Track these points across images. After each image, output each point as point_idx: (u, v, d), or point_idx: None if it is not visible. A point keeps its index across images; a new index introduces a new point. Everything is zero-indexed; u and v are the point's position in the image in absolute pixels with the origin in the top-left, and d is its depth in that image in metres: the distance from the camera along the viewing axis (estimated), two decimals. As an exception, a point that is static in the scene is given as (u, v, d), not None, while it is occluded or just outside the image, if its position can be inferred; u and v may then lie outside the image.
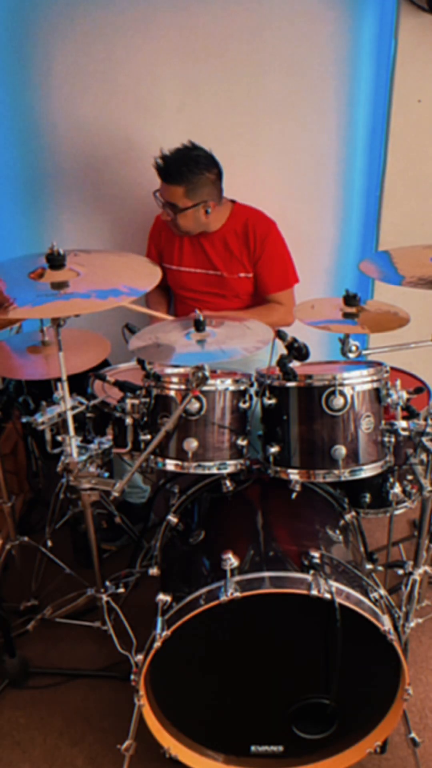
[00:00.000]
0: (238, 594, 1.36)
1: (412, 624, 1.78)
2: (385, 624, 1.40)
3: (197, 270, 2.41)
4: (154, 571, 1.72)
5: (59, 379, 1.54)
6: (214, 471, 1.60)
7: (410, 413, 1.64)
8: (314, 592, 1.35)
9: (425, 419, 1.61)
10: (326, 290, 2.85)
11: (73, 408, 1.64)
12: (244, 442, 1.61)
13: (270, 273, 2.38)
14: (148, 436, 1.62)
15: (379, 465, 1.58)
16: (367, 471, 1.56)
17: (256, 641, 1.48)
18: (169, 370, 1.65)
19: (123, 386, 1.69)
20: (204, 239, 2.38)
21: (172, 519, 1.76)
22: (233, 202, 2.40)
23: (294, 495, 1.61)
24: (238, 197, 2.42)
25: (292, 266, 2.43)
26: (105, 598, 1.82)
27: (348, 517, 1.77)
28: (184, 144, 2.22)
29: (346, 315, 1.64)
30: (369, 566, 1.71)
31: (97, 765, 1.68)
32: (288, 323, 2.32)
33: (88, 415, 1.81)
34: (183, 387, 1.55)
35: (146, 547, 2.10)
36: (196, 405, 1.54)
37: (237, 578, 1.41)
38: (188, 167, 2.17)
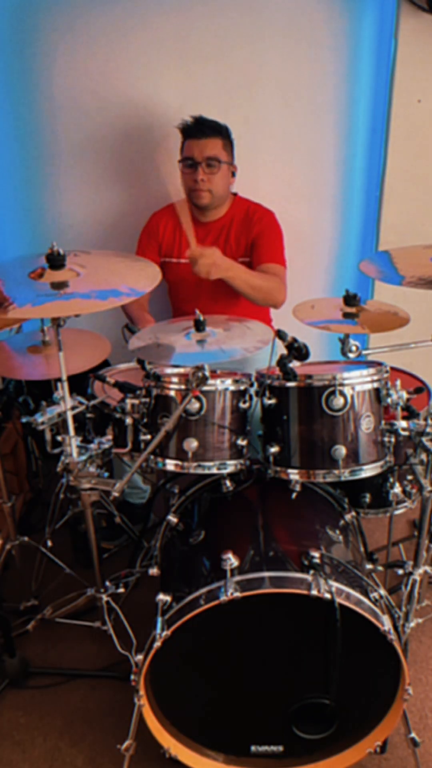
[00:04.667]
0: (238, 594, 1.35)
1: (412, 624, 1.78)
2: (385, 624, 1.40)
3: None
4: (154, 571, 1.72)
5: (59, 379, 1.54)
6: (214, 471, 1.59)
7: (410, 413, 1.64)
8: (314, 592, 1.35)
9: (425, 419, 1.61)
10: (326, 290, 2.85)
11: (73, 408, 1.64)
12: (244, 442, 1.61)
13: (264, 245, 2.37)
14: (148, 436, 1.62)
15: (379, 465, 1.58)
16: (367, 471, 1.56)
17: (256, 641, 1.48)
18: (169, 370, 1.65)
19: (123, 387, 1.69)
20: (204, 229, 2.39)
21: (172, 519, 1.76)
22: (234, 194, 2.41)
23: (294, 495, 1.61)
24: (239, 197, 2.43)
25: (283, 250, 2.41)
26: (105, 598, 1.82)
27: (348, 517, 1.77)
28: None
29: (346, 315, 1.65)
30: (369, 566, 1.71)
31: (97, 765, 1.68)
32: (280, 300, 2.29)
33: (88, 415, 1.81)
34: (183, 387, 1.55)
35: (146, 547, 2.10)
36: (196, 405, 1.54)
37: (237, 578, 1.41)
38: (223, 125, 2.29)
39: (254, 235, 2.37)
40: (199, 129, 2.25)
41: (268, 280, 2.34)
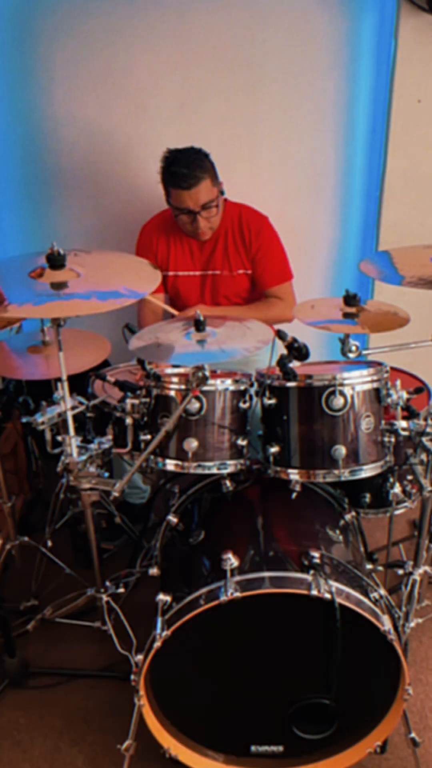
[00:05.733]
0: (238, 594, 1.36)
1: (412, 624, 1.78)
2: (385, 624, 1.40)
3: (194, 273, 2.40)
4: (154, 571, 1.72)
5: (59, 379, 1.55)
6: (214, 471, 1.60)
7: (410, 413, 1.64)
8: (314, 592, 1.35)
9: (425, 419, 1.61)
10: (326, 290, 2.85)
11: (73, 408, 1.64)
12: (244, 442, 1.61)
13: (267, 267, 2.37)
14: (148, 436, 1.62)
15: (379, 465, 1.58)
16: (367, 471, 1.56)
17: (256, 641, 1.48)
18: (169, 370, 1.65)
19: (123, 386, 1.69)
20: (200, 241, 2.38)
21: (172, 519, 1.76)
22: (224, 200, 2.40)
23: (294, 495, 1.61)
24: (238, 198, 2.42)
25: (287, 260, 2.42)
26: (105, 598, 1.82)
27: (348, 517, 1.77)
28: (171, 149, 2.19)
29: (346, 315, 1.64)
30: (369, 566, 1.70)
31: (97, 765, 1.68)
32: (288, 318, 2.29)
33: (88, 415, 1.81)
34: (183, 387, 1.55)
35: (146, 547, 2.10)
36: (196, 405, 1.54)
37: (237, 578, 1.41)
38: (199, 157, 2.16)
39: (253, 253, 2.35)
40: (184, 179, 2.10)
41: (266, 311, 2.33)
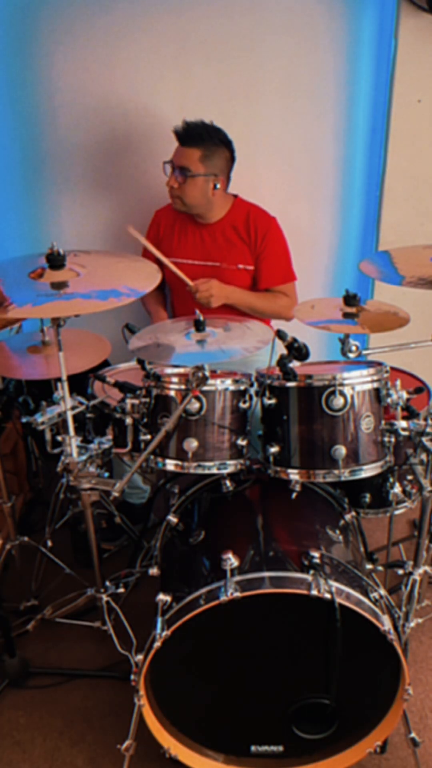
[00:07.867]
0: (238, 594, 1.36)
1: (412, 624, 1.78)
2: (385, 624, 1.40)
3: (195, 261, 2.41)
4: (154, 571, 1.72)
5: (59, 379, 1.55)
6: (214, 471, 1.60)
7: (410, 413, 1.64)
8: (314, 592, 1.35)
9: (425, 419, 1.61)
10: (326, 290, 2.85)
11: (73, 408, 1.64)
12: (244, 442, 1.61)
13: (273, 266, 2.38)
14: (148, 436, 1.62)
15: (379, 465, 1.58)
16: (367, 471, 1.56)
17: (256, 641, 1.48)
18: (169, 370, 1.65)
19: (123, 387, 1.69)
20: (204, 230, 2.38)
21: (172, 519, 1.76)
22: (235, 196, 2.41)
23: (294, 495, 1.61)
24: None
25: (291, 263, 2.43)
26: (105, 598, 1.82)
27: (348, 517, 1.77)
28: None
29: (346, 315, 1.64)
30: (369, 566, 1.71)
31: (97, 765, 1.68)
32: (289, 316, 2.32)
33: (88, 415, 1.81)
34: (183, 387, 1.55)
35: (146, 547, 2.10)
36: (196, 405, 1.54)
37: (237, 578, 1.41)
38: (208, 133, 2.22)
39: (258, 252, 2.35)
40: (183, 136, 2.21)
41: (272, 301, 2.36)
